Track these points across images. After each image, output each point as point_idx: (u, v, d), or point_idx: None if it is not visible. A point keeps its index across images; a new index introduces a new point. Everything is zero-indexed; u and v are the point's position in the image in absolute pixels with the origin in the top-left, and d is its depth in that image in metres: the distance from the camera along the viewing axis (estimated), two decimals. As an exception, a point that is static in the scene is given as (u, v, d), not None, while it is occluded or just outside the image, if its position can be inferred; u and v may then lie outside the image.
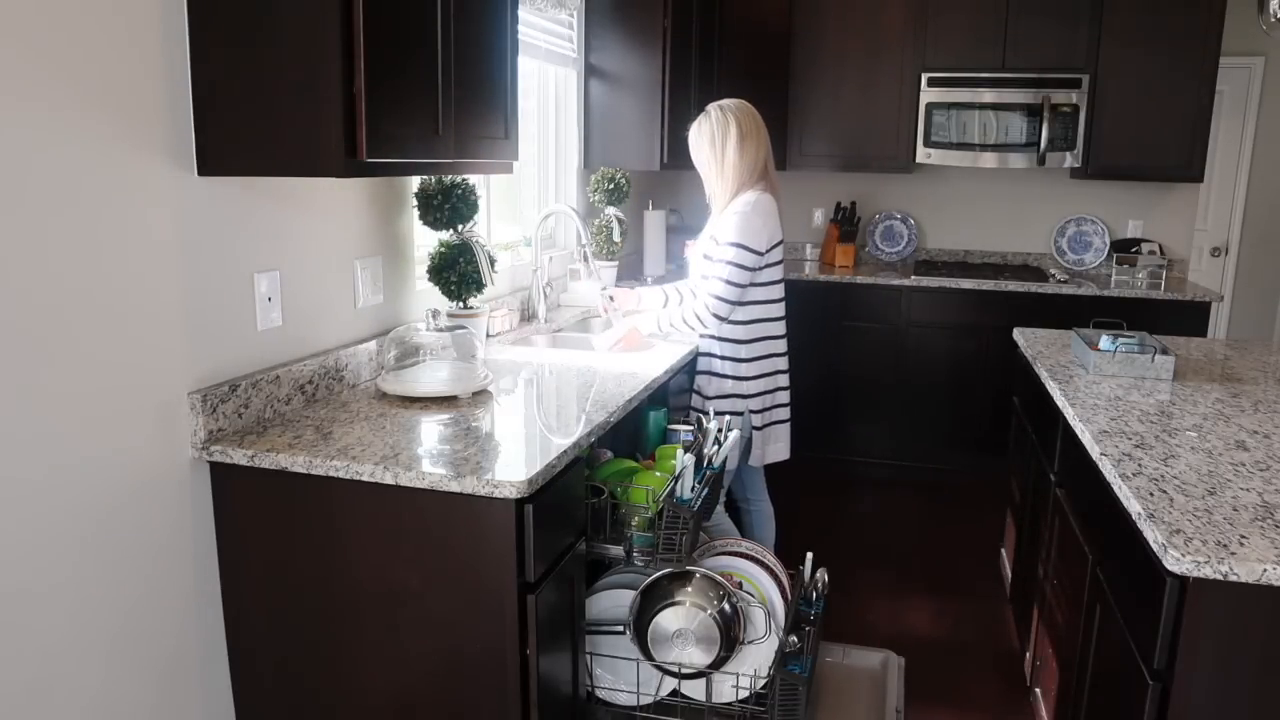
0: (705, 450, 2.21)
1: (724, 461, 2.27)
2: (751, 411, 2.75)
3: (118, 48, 1.57)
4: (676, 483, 2.03)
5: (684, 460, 2.03)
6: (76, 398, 1.54)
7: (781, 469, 2.98)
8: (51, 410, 1.50)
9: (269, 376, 1.94)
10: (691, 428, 2.47)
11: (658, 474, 2.15)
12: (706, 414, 2.54)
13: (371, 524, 1.73)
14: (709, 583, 2.09)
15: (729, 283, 2.64)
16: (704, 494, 2.07)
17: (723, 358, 2.74)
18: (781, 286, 2.79)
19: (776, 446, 2.87)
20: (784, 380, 2.87)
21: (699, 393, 2.78)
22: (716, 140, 2.69)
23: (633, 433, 2.43)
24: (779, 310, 2.79)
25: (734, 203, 2.68)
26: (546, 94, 3.55)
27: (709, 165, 2.73)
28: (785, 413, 2.88)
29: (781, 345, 2.83)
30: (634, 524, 2.06)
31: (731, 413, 2.70)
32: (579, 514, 1.95)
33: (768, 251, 2.68)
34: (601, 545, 2.03)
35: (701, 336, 2.76)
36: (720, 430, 2.34)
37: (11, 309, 1.42)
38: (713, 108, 2.73)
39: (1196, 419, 2.10)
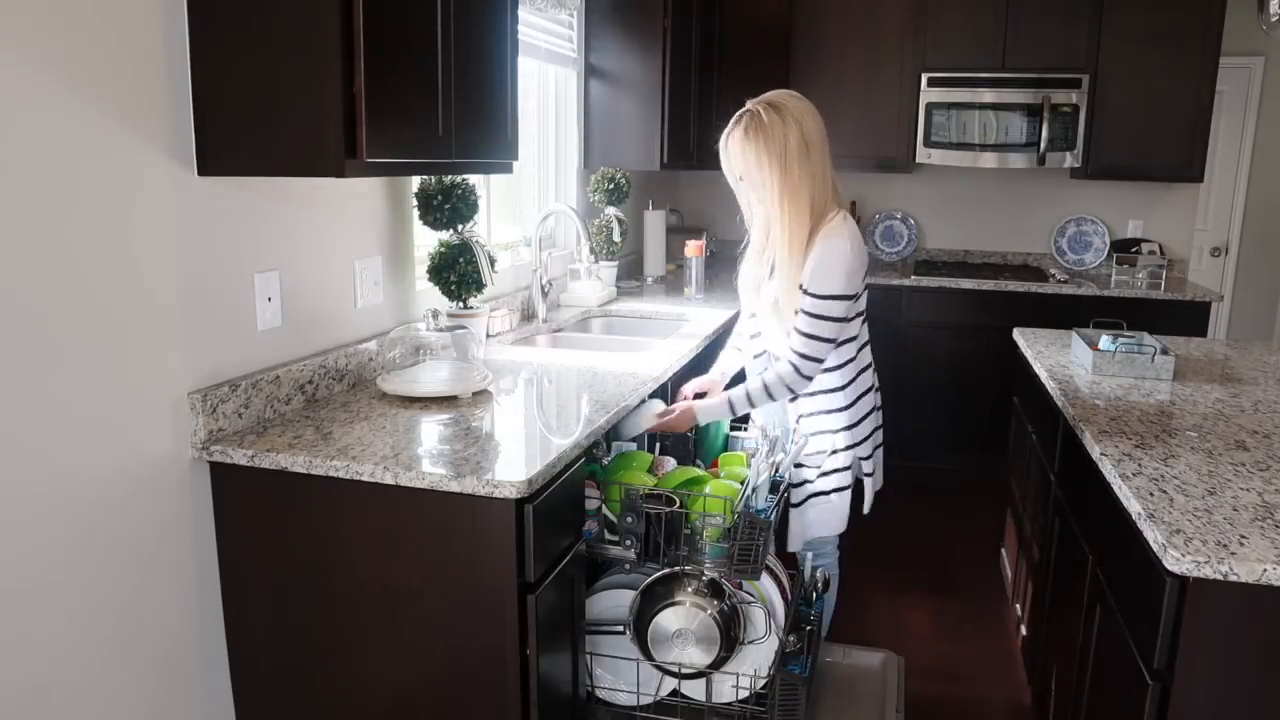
0: (775, 459, 2.13)
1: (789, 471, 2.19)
2: (861, 459, 2.33)
3: (118, 47, 1.57)
4: (752, 493, 1.97)
5: (760, 470, 1.98)
6: (76, 397, 1.54)
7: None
8: (51, 410, 1.50)
9: (269, 376, 1.94)
10: (754, 435, 2.38)
11: (732, 483, 2.05)
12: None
13: (371, 524, 1.73)
14: (709, 582, 2.09)
15: (823, 340, 2.15)
16: (776, 504, 2.04)
17: (825, 412, 2.29)
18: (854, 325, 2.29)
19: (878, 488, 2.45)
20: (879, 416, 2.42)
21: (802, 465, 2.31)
22: (772, 155, 2.11)
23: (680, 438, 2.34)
24: (865, 337, 2.35)
25: (817, 241, 2.13)
26: (546, 94, 3.55)
27: (767, 186, 2.14)
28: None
29: (873, 378, 2.37)
30: (706, 535, 2.02)
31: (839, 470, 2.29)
32: (579, 515, 1.95)
33: (860, 295, 2.23)
34: (603, 545, 2.03)
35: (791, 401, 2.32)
36: (784, 438, 2.26)
37: (11, 309, 1.42)
38: (759, 108, 2.16)
39: (1196, 419, 2.10)
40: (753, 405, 2.23)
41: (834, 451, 2.29)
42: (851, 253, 2.12)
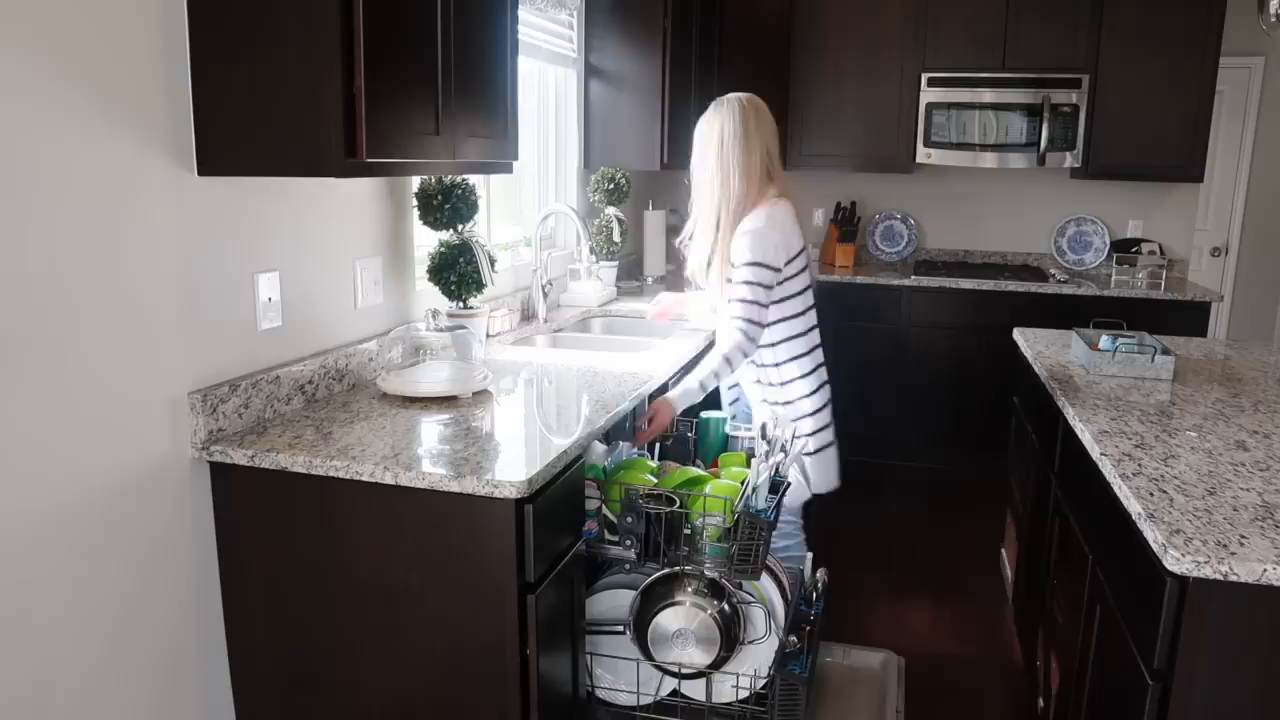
0: (774, 459, 2.14)
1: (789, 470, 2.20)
2: (804, 435, 2.51)
3: (118, 48, 1.57)
4: (753, 493, 1.98)
5: (760, 470, 1.98)
6: (77, 397, 1.54)
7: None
8: (51, 410, 1.50)
9: (269, 376, 1.94)
10: (754, 434, 2.40)
11: (732, 484, 2.07)
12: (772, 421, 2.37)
13: (371, 524, 1.73)
14: (709, 582, 2.08)
15: (751, 303, 2.37)
16: (776, 504, 2.05)
17: (799, 398, 2.53)
18: (807, 297, 2.53)
19: (825, 476, 2.60)
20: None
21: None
22: (701, 148, 2.46)
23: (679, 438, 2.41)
24: (804, 324, 2.53)
25: (745, 219, 2.41)
26: (546, 94, 3.55)
27: (700, 174, 2.47)
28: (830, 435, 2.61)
29: (809, 363, 2.55)
30: (707, 535, 2.02)
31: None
32: (579, 515, 1.94)
33: (786, 265, 2.44)
34: (602, 545, 2.03)
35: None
36: (787, 438, 2.26)
37: (11, 308, 1.42)
38: (713, 104, 2.49)
39: (1196, 419, 2.10)
40: (718, 379, 2.39)
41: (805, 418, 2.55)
42: (766, 227, 2.38)
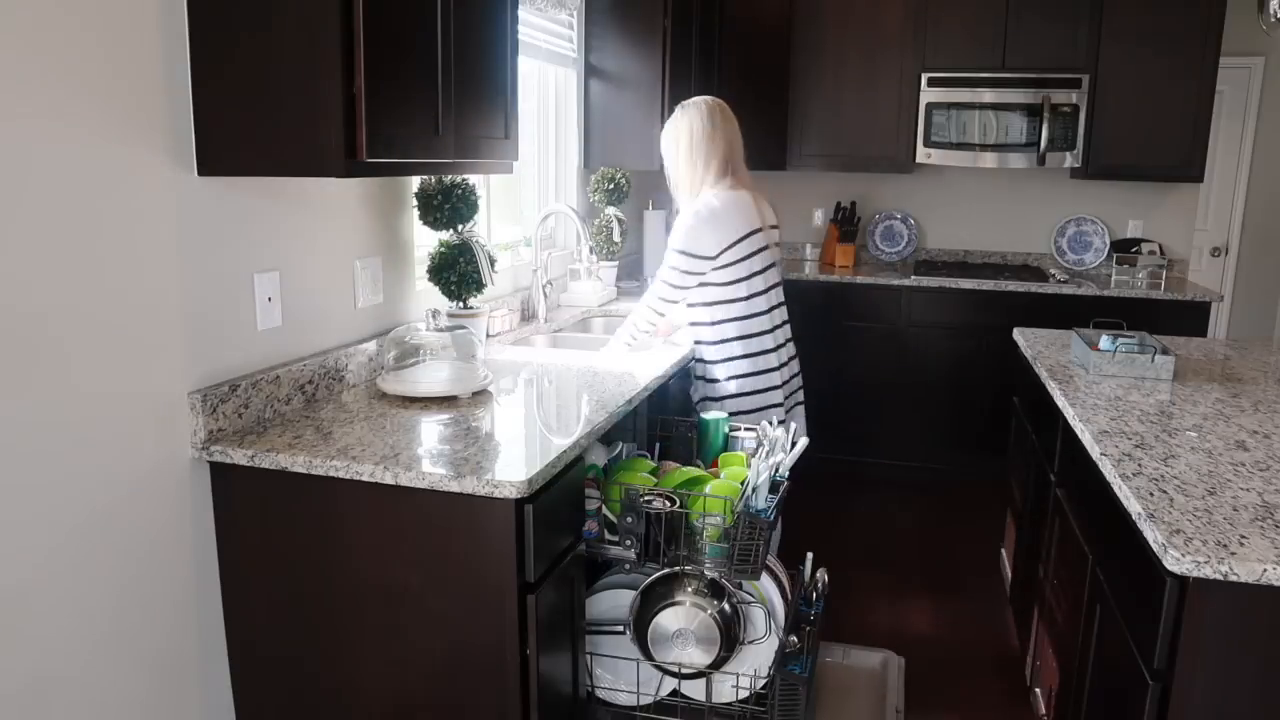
0: (775, 459, 2.15)
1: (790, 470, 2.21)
2: (732, 395, 2.73)
3: (118, 47, 1.57)
4: (753, 493, 1.98)
5: (760, 470, 1.99)
6: (76, 398, 1.54)
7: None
8: (51, 410, 1.50)
9: (269, 376, 1.94)
10: (754, 434, 2.39)
11: (732, 483, 2.08)
12: (776, 421, 2.46)
13: (371, 524, 1.73)
14: (709, 582, 2.08)
15: (666, 283, 2.68)
16: (776, 504, 2.05)
17: (705, 361, 2.78)
18: (757, 281, 2.69)
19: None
20: (775, 378, 2.75)
21: (708, 398, 2.78)
22: (669, 146, 2.73)
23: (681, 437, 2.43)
24: (752, 308, 2.69)
25: (685, 208, 2.69)
26: (546, 94, 3.55)
27: (668, 169, 2.77)
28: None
29: (768, 341, 2.73)
30: (706, 534, 2.02)
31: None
32: (579, 515, 1.95)
33: (720, 254, 2.62)
34: (602, 545, 2.03)
35: (696, 344, 2.77)
36: (788, 436, 2.27)
37: (11, 309, 1.42)
38: (678, 108, 2.75)
39: (1196, 419, 2.10)
40: (634, 340, 2.73)
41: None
42: (705, 217, 2.63)
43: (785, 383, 2.77)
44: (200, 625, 1.84)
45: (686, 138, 2.69)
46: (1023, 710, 2.62)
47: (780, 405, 2.73)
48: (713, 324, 2.71)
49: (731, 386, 2.72)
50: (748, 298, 2.68)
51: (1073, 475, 2.20)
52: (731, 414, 2.62)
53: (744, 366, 2.70)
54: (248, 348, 1.92)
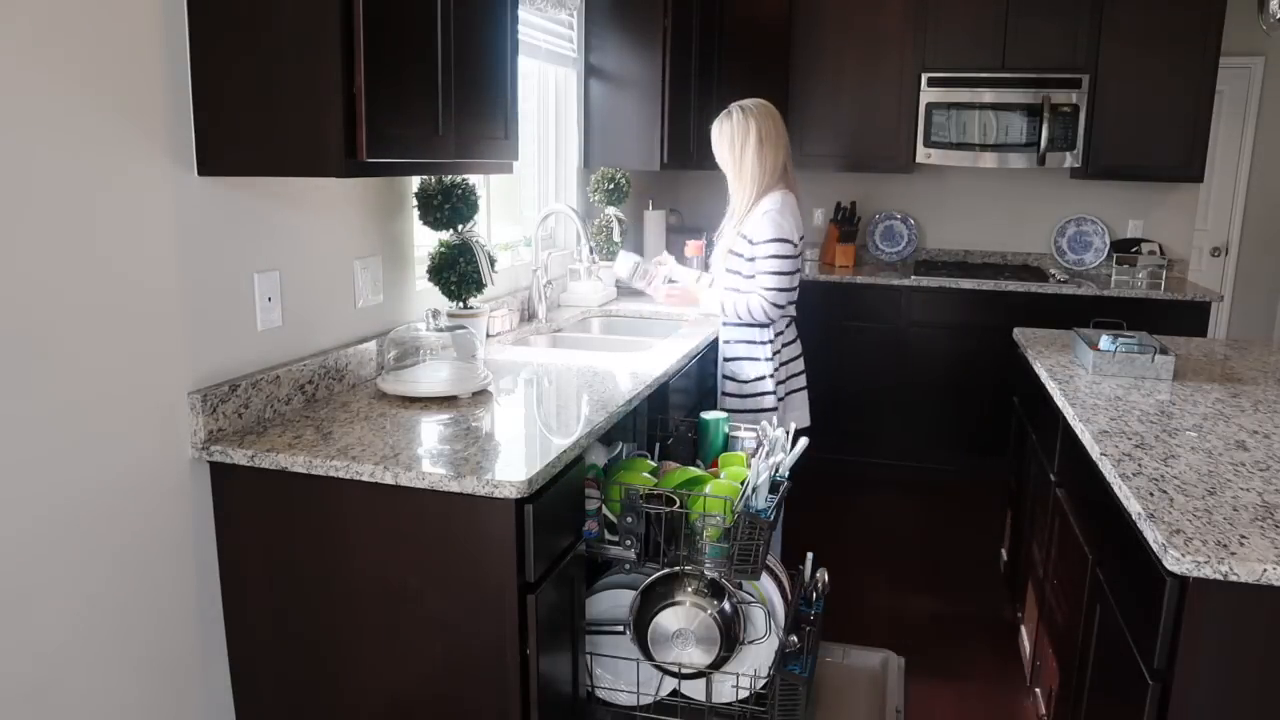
0: (775, 459, 2.15)
1: (790, 469, 2.21)
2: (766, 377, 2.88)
3: (118, 47, 1.57)
4: (753, 493, 1.98)
5: (760, 470, 1.98)
6: (76, 398, 1.54)
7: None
8: (51, 411, 1.50)
9: (269, 376, 1.94)
10: (754, 434, 2.40)
11: (732, 483, 2.08)
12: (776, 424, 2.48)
13: (371, 524, 1.73)
14: (709, 582, 2.08)
15: (779, 274, 2.78)
16: (776, 504, 2.05)
17: (746, 342, 2.90)
18: (796, 277, 2.90)
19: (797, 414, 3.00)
20: (799, 362, 3.03)
21: (733, 379, 2.93)
22: (735, 144, 2.80)
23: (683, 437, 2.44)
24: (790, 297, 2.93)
25: (762, 203, 2.79)
26: (546, 94, 3.55)
27: (729, 166, 2.85)
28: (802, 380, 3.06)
29: (792, 333, 3.02)
30: (707, 535, 2.02)
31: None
32: (579, 515, 1.94)
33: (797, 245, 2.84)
34: (602, 545, 2.03)
35: (724, 325, 2.94)
36: (787, 436, 2.27)
37: (10, 309, 1.42)
38: (734, 108, 2.81)
39: (1196, 419, 2.10)
40: (722, 311, 2.89)
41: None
42: (781, 208, 2.78)
43: (784, 364, 2.96)
44: (200, 624, 1.84)
45: (755, 138, 2.78)
46: (1023, 710, 2.62)
47: (772, 392, 2.90)
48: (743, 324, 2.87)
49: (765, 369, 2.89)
50: (790, 289, 2.87)
51: (1073, 475, 2.20)
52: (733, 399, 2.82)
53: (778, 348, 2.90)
54: (248, 347, 1.92)
